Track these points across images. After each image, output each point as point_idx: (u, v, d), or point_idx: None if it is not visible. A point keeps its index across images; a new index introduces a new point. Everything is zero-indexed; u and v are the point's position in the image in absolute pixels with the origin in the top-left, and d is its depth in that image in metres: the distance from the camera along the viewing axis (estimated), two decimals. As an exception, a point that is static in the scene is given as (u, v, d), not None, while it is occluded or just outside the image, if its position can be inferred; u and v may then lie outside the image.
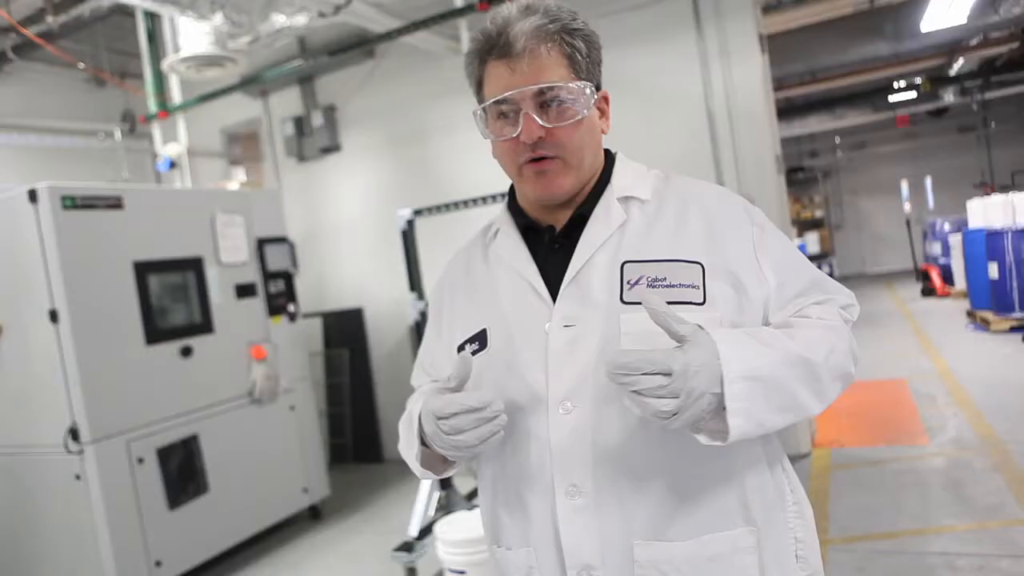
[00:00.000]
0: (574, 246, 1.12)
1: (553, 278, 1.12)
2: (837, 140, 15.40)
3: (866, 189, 16.27)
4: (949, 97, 11.02)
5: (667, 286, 1.05)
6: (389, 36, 4.43)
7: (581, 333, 1.06)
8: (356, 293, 5.89)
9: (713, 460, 1.05)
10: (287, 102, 5.99)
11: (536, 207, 1.19)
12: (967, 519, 3.41)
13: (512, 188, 1.26)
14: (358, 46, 4.79)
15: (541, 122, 1.05)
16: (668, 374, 0.90)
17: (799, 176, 15.80)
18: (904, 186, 13.92)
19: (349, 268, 5.92)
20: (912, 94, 10.83)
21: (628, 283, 1.07)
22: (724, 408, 0.93)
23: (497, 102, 1.07)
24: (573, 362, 1.06)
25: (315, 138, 5.81)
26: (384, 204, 5.59)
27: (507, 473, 1.14)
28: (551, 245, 1.16)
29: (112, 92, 6.41)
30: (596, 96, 1.12)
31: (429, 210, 3.84)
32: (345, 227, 5.89)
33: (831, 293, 1.16)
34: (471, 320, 1.20)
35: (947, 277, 11.11)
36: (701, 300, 1.05)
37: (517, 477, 1.12)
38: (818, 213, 15.93)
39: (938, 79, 10.75)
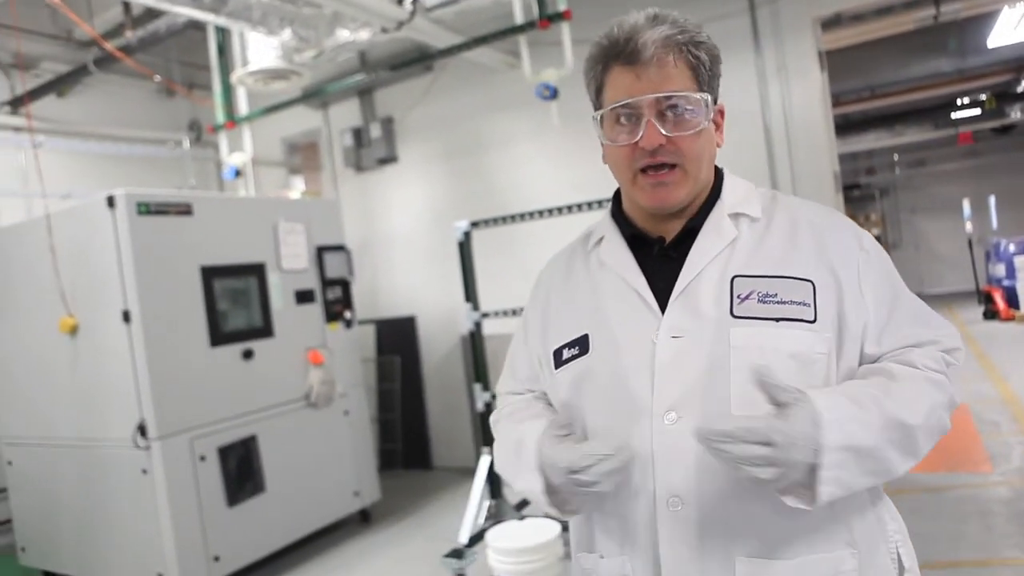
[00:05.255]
0: (683, 258, 1.12)
1: (660, 289, 1.12)
2: (895, 157, 15.03)
3: (925, 207, 15.83)
4: (1016, 114, 10.66)
5: (778, 302, 1.06)
6: (449, 52, 4.52)
7: (690, 345, 1.07)
8: (408, 302, 5.99)
9: None
10: (346, 113, 6.15)
11: (645, 216, 1.18)
12: (1033, 551, 3.30)
13: (616, 195, 1.27)
14: (418, 61, 4.90)
15: (663, 130, 1.06)
16: (768, 444, 0.91)
17: (855, 193, 15.47)
18: (966, 205, 13.49)
19: (402, 277, 6.02)
20: (976, 111, 10.53)
21: (739, 297, 1.07)
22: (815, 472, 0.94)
23: (619, 107, 1.08)
24: (681, 373, 1.06)
25: (373, 149, 5.94)
26: (438, 215, 5.69)
27: None
28: (659, 256, 1.16)
29: (179, 103, 6.68)
30: (714, 109, 1.12)
31: (486, 222, 3.89)
32: (399, 236, 6.01)
33: (934, 330, 1.13)
34: (570, 325, 1.20)
35: (1011, 300, 10.72)
36: (812, 318, 1.05)
37: (618, 487, 1.09)
38: (874, 231, 15.54)
39: (1004, 95, 10.43)
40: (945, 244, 15.41)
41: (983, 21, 6.81)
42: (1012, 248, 11.14)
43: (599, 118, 1.13)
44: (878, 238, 14.86)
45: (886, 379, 1.05)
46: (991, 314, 10.85)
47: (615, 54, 1.09)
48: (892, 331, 1.11)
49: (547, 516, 3.10)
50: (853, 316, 1.07)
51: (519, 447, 1.15)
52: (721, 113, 1.15)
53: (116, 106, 6.17)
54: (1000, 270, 11.59)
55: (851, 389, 1.02)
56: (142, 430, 3.52)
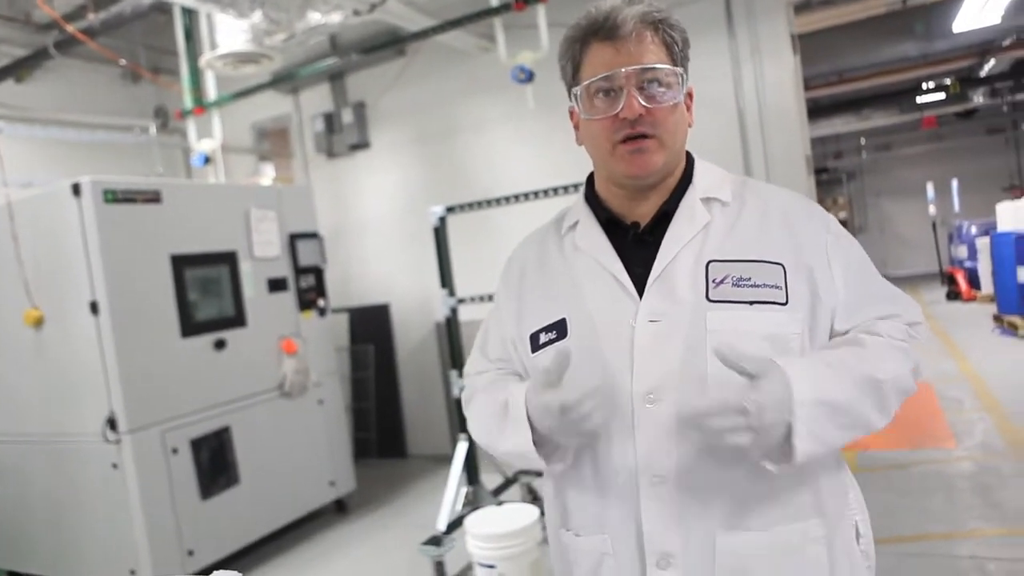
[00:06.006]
0: (657, 243, 1.15)
1: (636, 274, 1.15)
2: (862, 141, 15.27)
3: (890, 191, 16.13)
4: (978, 98, 10.88)
5: (752, 286, 1.09)
6: (423, 35, 4.46)
7: (667, 328, 1.10)
8: (382, 289, 5.94)
9: None
10: (317, 99, 6.05)
11: (620, 199, 1.21)
12: (997, 523, 3.40)
13: (590, 179, 1.29)
14: (390, 44, 4.82)
15: (642, 102, 1.09)
16: (743, 413, 0.96)
17: (823, 177, 15.72)
18: (930, 188, 13.76)
19: (375, 264, 5.97)
20: (940, 95, 10.72)
21: (714, 282, 1.10)
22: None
23: (599, 80, 1.11)
24: (659, 356, 1.09)
25: (345, 135, 5.86)
26: (412, 201, 5.63)
27: (583, 461, 1.17)
28: (634, 241, 1.18)
29: (144, 88, 6.50)
30: (686, 87, 1.16)
31: (462, 207, 3.87)
32: (372, 223, 5.95)
33: (899, 306, 1.19)
34: (547, 309, 1.22)
35: (973, 281, 10.99)
36: (784, 300, 1.09)
37: (595, 465, 1.15)
38: (841, 214, 15.81)
39: (967, 80, 10.63)
40: (909, 227, 15.74)
41: (949, 6, 6.91)
42: (974, 230, 11.39)
43: (577, 94, 1.15)
44: (844, 222, 15.25)
45: (854, 346, 1.11)
46: (953, 295, 11.12)
47: (594, 31, 1.12)
48: (860, 309, 1.16)
49: (528, 484, 3.04)
50: (824, 296, 1.12)
51: (504, 408, 1.18)
52: (690, 95, 1.19)
53: (78, 91, 5.99)
54: (962, 252, 11.86)
55: (821, 355, 1.09)
56: (112, 423, 3.45)
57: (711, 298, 1.09)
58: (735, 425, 0.96)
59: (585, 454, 1.16)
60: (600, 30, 1.11)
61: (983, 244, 10.12)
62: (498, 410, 1.19)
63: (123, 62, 5.45)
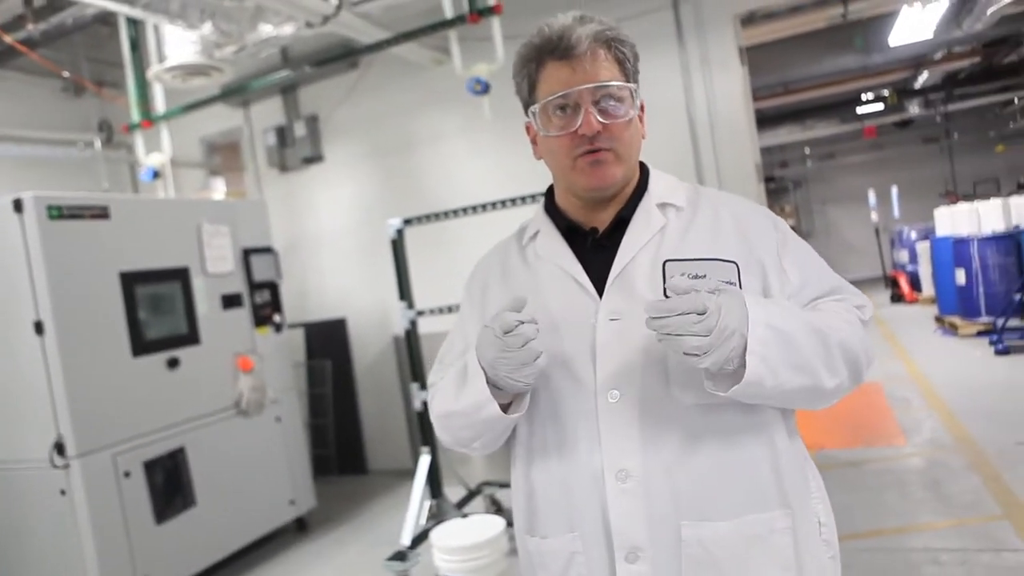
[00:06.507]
0: (615, 247, 1.19)
1: (596, 276, 1.18)
2: (807, 151, 15.73)
3: (835, 198, 16.63)
4: (914, 109, 11.34)
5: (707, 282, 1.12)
6: (377, 47, 4.45)
7: (627, 326, 1.13)
8: (339, 303, 5.87)
9: (753, 441, 1.13)
10: (269, 112, 5.97)
11: (578, 208, 1.25)
12: (947, 516, 3.51)
13: (549, 191, 1.32)
14: (343, 57, 4.80)
15: (599, 118, 1.12)
16: (702, 313, 0.99)
17: (771, 186, 16.11)
18: (871, 195, 14.24)
19: (331, 278, 5.90)
20: (879, 106, 11.12)
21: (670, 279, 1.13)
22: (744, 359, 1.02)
23: (557, 99, 1.14)
24: (621, 352, 1.13)
25: (297, 148, 5.79)
26: (367, 214, 5.59)
27: (550, 461, 1.19)
28: (593, 246, 1.22)
29: (87, 102, 6.32)
30: (638, 101, 1.19)
31: (419, 219, 3.85)
32: (327, 237, 5.88)
33: (847, 291, 1.25)
34: None
35: (915, 284, 11.38)
36: None
37: (562, 464, 1.17)
38: (789, 222, 16.19)
39: (904, 91, 11.06)
40: (853, 232, 16.24)
41: (885, 20, 7.20)
42: (914, 235, 11.82)
43: (535, 112, 1.19)
44: (793, 228, 15.73)
45: (803, 310, 1.17)
46: (897, 297, 11.51)
47: (549, 50, 1.15)
48: (810, 293, 1.22)
49: (491, 495, 3.03)
50: (775, 290, 1.17)
51: (463, 370, 1.19)
52: (642, 107, 1.22)
53: (18, 105, 5.79)
54: (904, 256, 12.29)
55: (770, 299, 1.14)
56: (59, 448, 3.32)
57: (668, 295, 1.11)
58: (693, 323, 0.98)
59: (555, 455, 1.17)
60: (555, 50, 1.14)
61: (923, 248, 10.51)
62: (458, 375, 1.21)
63: (65, 74, 5.29)
